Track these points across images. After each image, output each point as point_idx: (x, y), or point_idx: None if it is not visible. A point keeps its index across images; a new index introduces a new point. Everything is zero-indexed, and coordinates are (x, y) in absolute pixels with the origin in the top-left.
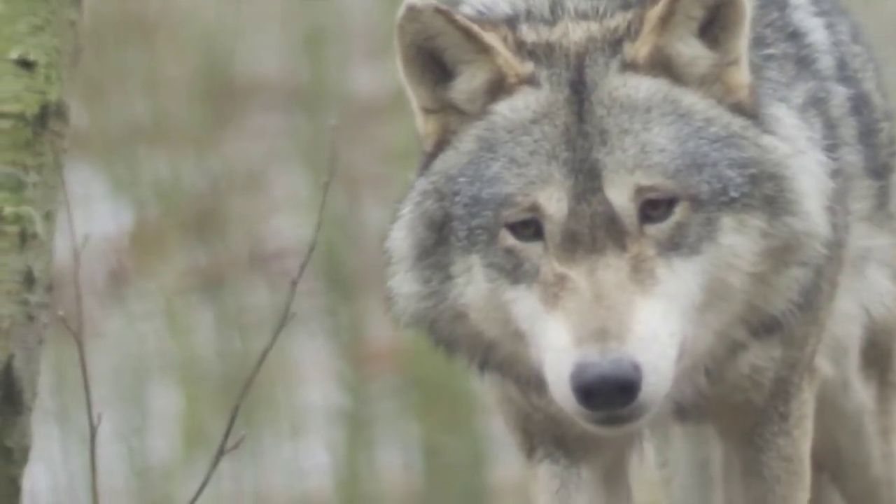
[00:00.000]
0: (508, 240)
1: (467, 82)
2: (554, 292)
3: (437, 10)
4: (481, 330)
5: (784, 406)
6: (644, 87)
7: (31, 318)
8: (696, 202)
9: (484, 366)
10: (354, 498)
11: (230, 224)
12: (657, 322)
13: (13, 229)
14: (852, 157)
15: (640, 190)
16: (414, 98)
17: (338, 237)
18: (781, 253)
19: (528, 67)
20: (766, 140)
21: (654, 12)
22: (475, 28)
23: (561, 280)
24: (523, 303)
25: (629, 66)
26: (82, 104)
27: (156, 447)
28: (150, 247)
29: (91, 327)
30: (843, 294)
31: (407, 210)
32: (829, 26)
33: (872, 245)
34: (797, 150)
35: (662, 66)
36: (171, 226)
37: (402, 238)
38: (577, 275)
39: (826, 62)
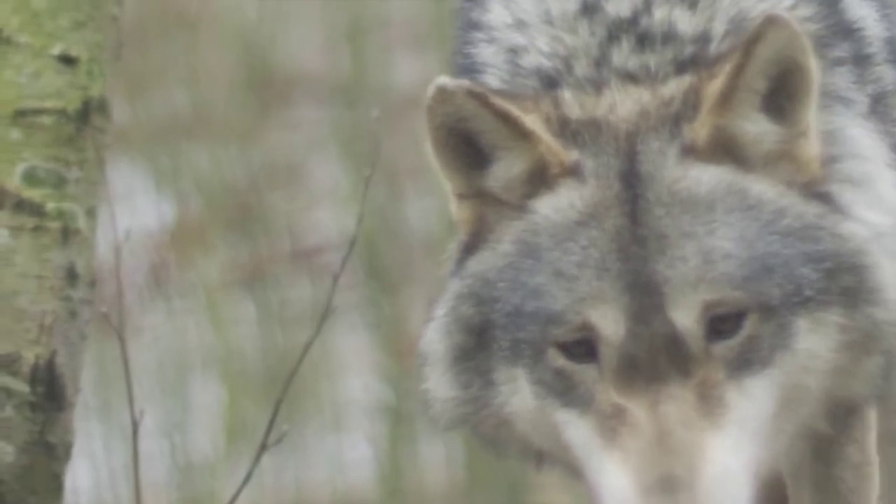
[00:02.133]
0: (558, 360)
1: (505, 170)
2: (612, 426)
3: (471, 93)
4: (531, 440)
5: (850, 417)
6: (706, 178)
7: (73, 313)
8: (768, 310)
9: (539, 465)
10: (396, 491)
11: (271, 218)
12: (730, 460)
13: (56, 225)
14: None
15: (706, 307)
16: (446, 181)
17: (379, 230)
18: (862, 344)
19: (572, 156)
20: (844, 228)
21: (714, 87)
22: (514, 112)
23: (619, 412)
24: (577, 430)
25: (689, 153)
26: (124, 99)
27: (198, 442)
28: (192, 241)
29: (133, 323)
30: None
31: (442, 313)
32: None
33: None
34: (877, 227)
35: (725, 149)
36: (213, 220)
37: (437, 340)
38: (637, 408)
39: (879, 49)
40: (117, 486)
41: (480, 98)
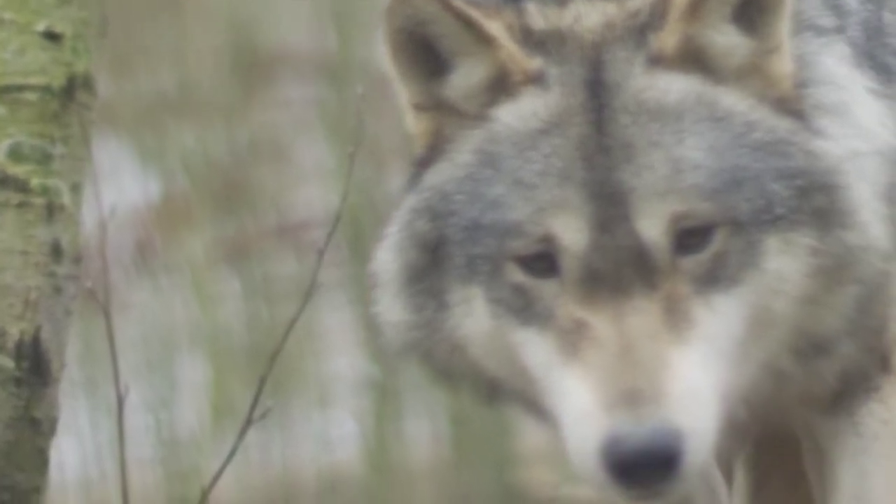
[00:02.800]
0: (517, 275)
1: (465, 78)
2: (573, 341)
3: None
4: (484, 365)
5: (874, 381)
6: (675, 87)
7: (58, 289)
8: (737, 225)
9: (491, 399)
10: (382, 468)
11: (257, 195)
12: (696, 375)
13: (40, 201)
14: None
15: (674, 218)
16: (403, 92)
17: (364, 207)
18: (834, 271)
19: (535, 63)
20: (816, 144)
21: None
22: (475, 16)
23: (581, 327)
24: (535, 349)
25: (656, 62)
26: (110, 76)
27: (184, 418)
28: (178, 218)
29: (119, 299)
30: None
31: (395, 229)
32: None
33: None
34: (852, 148)
35: (694, 59)
36: (199, 197)
37: (389, 260)
38: (600, 322)
39: None
40: (103, 461)
41: (442, 1)
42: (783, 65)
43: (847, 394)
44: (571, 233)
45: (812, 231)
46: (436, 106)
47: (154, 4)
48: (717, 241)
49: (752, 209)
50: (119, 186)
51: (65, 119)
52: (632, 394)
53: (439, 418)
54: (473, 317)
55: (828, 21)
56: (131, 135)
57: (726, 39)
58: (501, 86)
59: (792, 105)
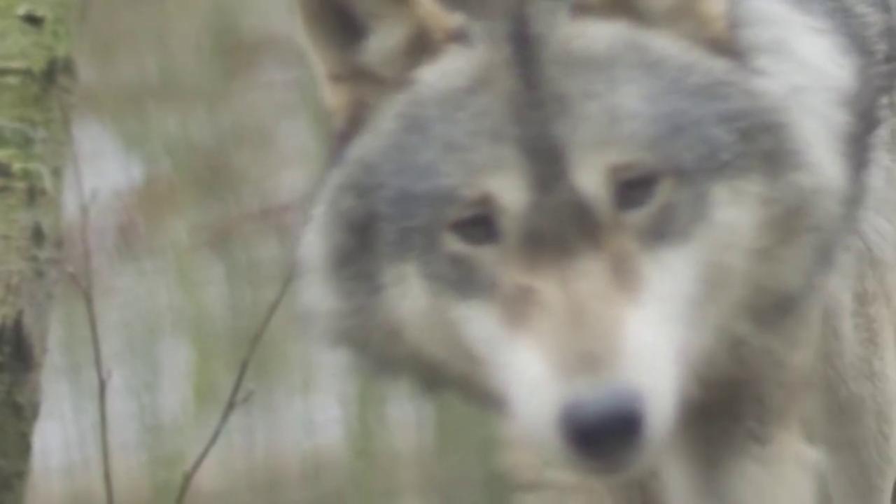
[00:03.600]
0: (454, 245)
1: (382, 41)
2: (519, 309)
3: None
4: (423, 350)
5: (760, 427)
6: (603, 35)
7: (39, 273)
8: (681, 175)
9: (432, 387)
10: (366, 452)
11: (240, 179)
12: (652, 334)
13: (21, 185)
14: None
15: (613, 170)
16: (319, 63)
17: None
18: (788, 219)
19: (456, 20)
20: (756, 83)
21: None
22: None
23: (526, 293)
24: (478, 322)
25: (582, 9)
26: (91, 60)
27: (167, 403)
28: (161, 202)
29: (101, 283)
30: None
31: (320, 210)
32: None
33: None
34: (794, 83)
35: (620, 4)
36: (181, 181)
37: (315, 244)
38: (546, 286)
39: None
40: (86, 446)
41: None
42: (715, 4)
43: (731, 439)
44: (509, 192)
45: (761, 177)
46: (354, 75)
47: None
48: (662, 193)
49: (696, 157)
50: (101, 170)
51: (46, 103)
52: (586, 358)
53: (423, 403)
54: (409, 296)
55: None
56: (113, 119)
57: None
58: (422, 46)
59: (727, 45)
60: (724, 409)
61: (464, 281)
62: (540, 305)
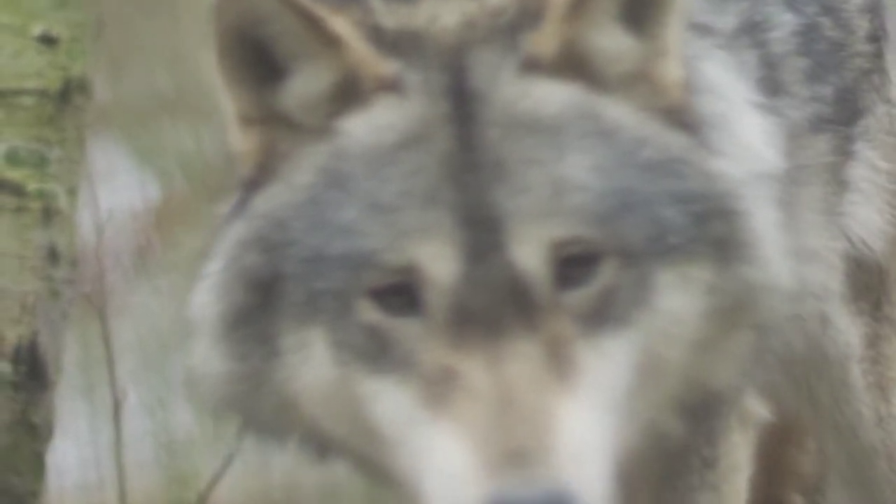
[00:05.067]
0: (370, 314)
1: (305, 85)
2: (440, 392)
3: None
4: (321, 424)
5: (709, 449)
6: (554, 97)
7: (55, 293)
8: (626, 255)
9: (324, 459)
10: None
11: None
12: (586, 429)
13: (37, 205)
14: (797, 110)
15: (555, 245)
16: (229, 101)
17: None
18: (732, 312)
19: (390, 67)
20: (713, 164)
21: None
22: (318, 13)
23: (450, 374)
24: (392, 401)
25: (530, 67)
26: (105, 77)
27: (182, 421)
28: (176, 220)
29: (117, 301)
30: (812, 232)
31: (218, 266)
32: None
33: (853, 174)
34: (746, 168)
35: (575, 64)
36: (196, 197)
37: (209, 303)
38: (472, 368)
39: None
40: (101, 465)
41: None
42: (673, 70)
43: (676, 476)
44: (439, 262)
45: (710, 265)
46: (268, 118)
47: (149, 5)
48: (604, 274)
49: (644, 237)
50: (116, 188)
51: (61, 123)
52: (515, 452)
53: None
54: (312, 364)
55: (716, 21)
56: (128, 135)
57: (612, 43)
58: (350, 94)
59: (684, 117)
60: (662, 463)
61: (377, 354)
62: (465, 389)
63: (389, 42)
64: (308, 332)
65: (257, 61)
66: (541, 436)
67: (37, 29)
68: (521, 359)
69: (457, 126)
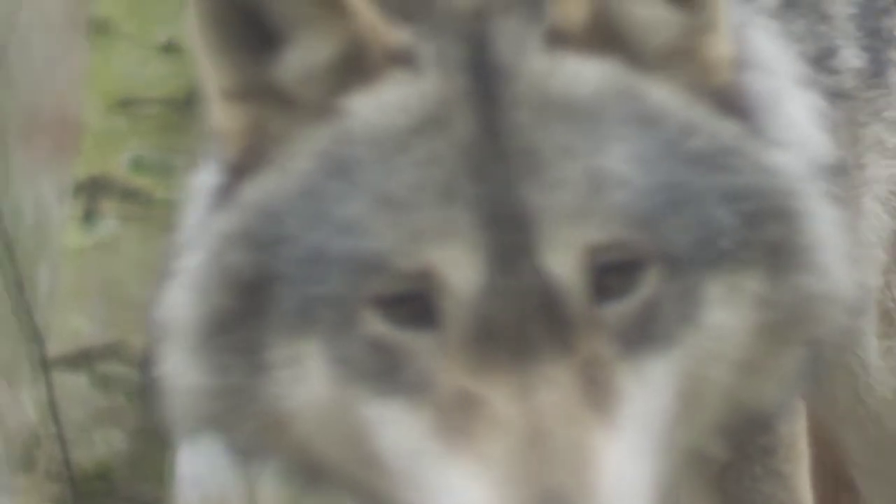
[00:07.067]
0: (377, 325)
1: (304, 56)
2: (460, 421)
3: None
4: (313, 448)
5: (766, 436)
6: (588, 75)
7: None
8: (671, 263)
9: (312, 485)
10: None
11: None
12: (628, 467)
13: (161, 213)
14: (856, 60)
15: (592, 251)
16: (211, 73)
17: None
18: (784, 328)
19: (401, 38)
20: (771, 157)
21: None
22: None
23: (471, 401)
24: (401, 428)
25: (560, 39)
26: None
27: None
28: None
29: None
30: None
31: (196, 262)
32: None
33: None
34: (804, 159)
35: (609, 37)
36: None
37: (184, 304)
38: (498, 395)
39: None
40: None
41: None
42: (722, 46)
43: (735, 469)
44: (459, 269)
45: (762, 273)
46: (258, 93)
47: None
48: (647, 284)
49: (691, 242)
50: None
51: (185, 131)
52: (549, 495)
53: None
54: (305, 383)
55: None
56: None
57: (651, 13)
58: (356, 67)
59: (735, 100)
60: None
61: (383, 373)
62: (489, 420)
63: (398, 7)
64: (302, 345)
65: (247, 27)
66: (578, 476)
67: (160, 37)
68: (554, 385)
69: (478, 107)
